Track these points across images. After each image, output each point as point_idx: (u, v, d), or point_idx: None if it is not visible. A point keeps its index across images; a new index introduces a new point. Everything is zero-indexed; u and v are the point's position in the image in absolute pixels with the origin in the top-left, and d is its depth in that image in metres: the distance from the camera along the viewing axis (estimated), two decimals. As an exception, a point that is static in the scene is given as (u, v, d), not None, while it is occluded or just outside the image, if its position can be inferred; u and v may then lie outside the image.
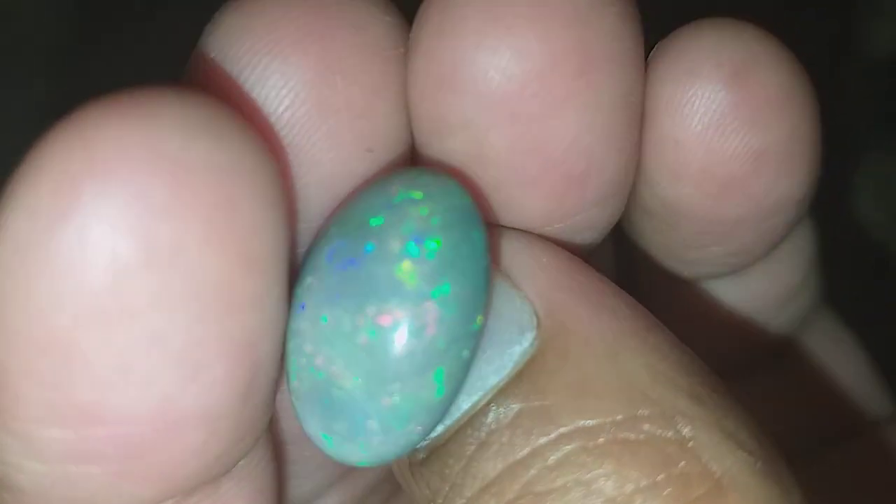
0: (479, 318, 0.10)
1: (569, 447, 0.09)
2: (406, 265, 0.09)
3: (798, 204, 0.13)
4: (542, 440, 0.09)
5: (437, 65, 0.11)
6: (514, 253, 0.11)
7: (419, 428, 0.10)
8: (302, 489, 0.14)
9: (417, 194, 0.10)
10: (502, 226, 0.12)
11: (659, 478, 0.09)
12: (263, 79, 0.11)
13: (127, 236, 0.09)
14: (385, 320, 0.09)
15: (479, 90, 0.10)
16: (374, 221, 0.10)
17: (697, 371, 0.10)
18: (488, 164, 0.11)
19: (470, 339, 0.10)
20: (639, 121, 0.12)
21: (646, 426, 0.09)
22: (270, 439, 0.12)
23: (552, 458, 0.09)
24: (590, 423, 0.09)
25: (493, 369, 0.10)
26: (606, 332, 0.10)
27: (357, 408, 0.10)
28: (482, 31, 0.10)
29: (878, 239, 0.33)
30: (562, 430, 0.09)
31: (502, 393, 0.10)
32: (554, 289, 0.10)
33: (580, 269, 0.11)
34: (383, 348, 0.09)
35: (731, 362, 0.15)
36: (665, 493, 0.09)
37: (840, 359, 0.17)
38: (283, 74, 0.10)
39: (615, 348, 0.10)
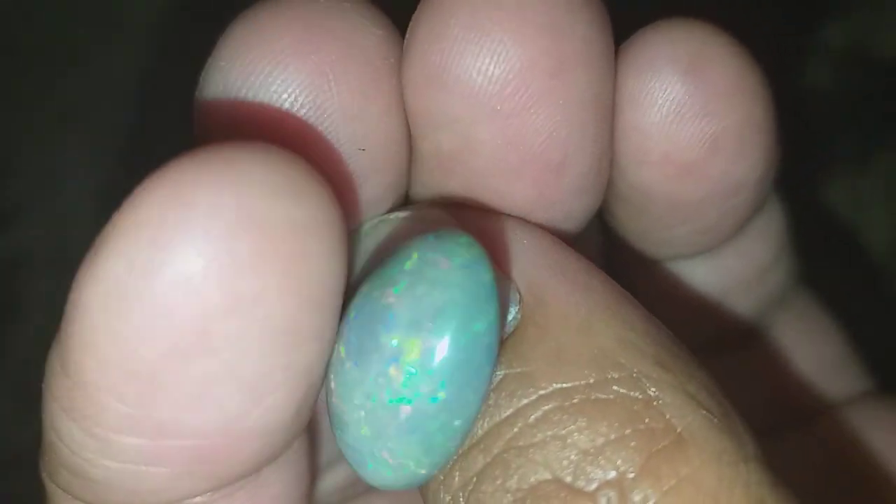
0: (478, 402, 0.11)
1: (547, 406, 0.11)
2: (410, 358, 0.10)
3: (756, 186, 0.14)
4: (524, 401, 0.11)
5: (427, 67, 0.12)
6: (500, 235, 0.12)
7: (422, 471, 0.11)
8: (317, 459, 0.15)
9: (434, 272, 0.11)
10: (489, 210, 0.13)
11: (626, 432, 0.10)
12: (266, 85, 0.12)
13: (214, 288, 0.10)
14: (385, 396, 0.11)
15: (464, 89, 0.12)
16: (395, 290, 0.11)
17: (663, 341, 0.11)
18: (475, 155, 0.12)
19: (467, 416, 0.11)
20: (610, 116, 0.13)
21: (615, 387, 0.10)
22: (309, 432, 0.14)
23: (532, 417, 0.11)
24: (566, 385, 0.11)
25: None
26: (581, 307, 0.11)
27: (366, 449, 0.11)
28: (465, 37, 0.12)
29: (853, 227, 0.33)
30: (541, 392, 0.11)
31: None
32: (534, 268, 0.11)
33: (559, 250, 0.12)
34: (387, 413, 0.11)
35: (702, 341, 0.16)
36: (631, 444, 0.10)
37: (814, 339, 0.18)
38: (283, 81, 0.12)
39: (589, 321, 0.11)
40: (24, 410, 0.38)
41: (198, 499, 0.12)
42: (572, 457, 0.10)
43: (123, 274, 0.11)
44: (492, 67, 0.12)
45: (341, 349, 0.11)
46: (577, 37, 0.12)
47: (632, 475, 0.10)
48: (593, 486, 0.10)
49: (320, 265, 0.10)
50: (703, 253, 0.16)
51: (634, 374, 0.11)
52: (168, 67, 0.42)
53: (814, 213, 0.34)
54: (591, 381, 0.11)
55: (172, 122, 0.41)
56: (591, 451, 0.10)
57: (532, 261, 0.12)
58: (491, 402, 0.11)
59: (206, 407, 0.11)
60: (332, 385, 0.11)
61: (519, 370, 0.11)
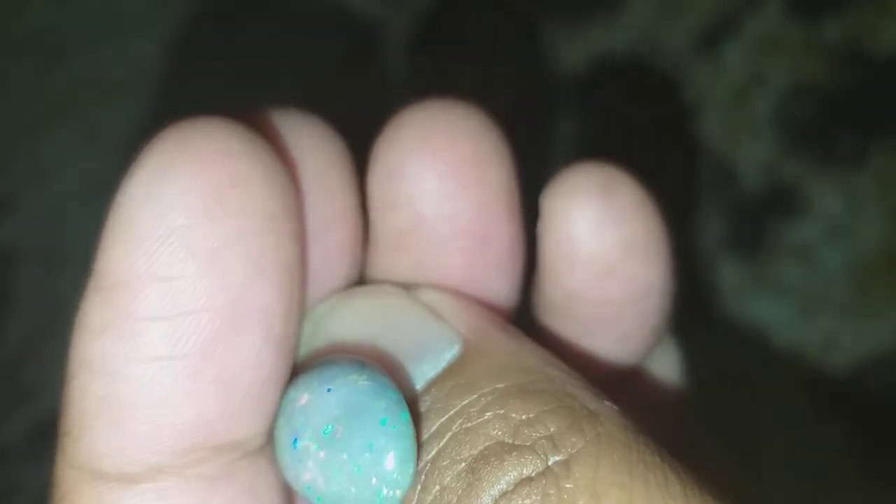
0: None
1: (488, 397, 0.13)
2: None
3: (662, 291, 0.18)
4: (469, 398, 0.13)
5: (385, 171, 0.16)
6: (443, 298, 0.16)
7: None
8: None
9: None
10: (433, 285, 0.16)
11: (554, 406, 0.13)
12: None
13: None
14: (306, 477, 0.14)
15: (412, 189, 0.16)
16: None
17: (567, 369, 0.14)
18: (423, 229, 0.16)
19: None
20: (516, 210, 0.17)
21: (540, 385, 0.13)
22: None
23: (477, 406, 0.13)
24: (500, 385, 0.13)
25: (430, 367, 0.14)
26: (509, 342, 0.15)
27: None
28: (414, 149, 0.16)
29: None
30: (482, 391, 0.13)
31: (439, 378, 0.14)
32: (471, 317, 0.15)
33: (485, 309, 0.16)
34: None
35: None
36: (558, 414, 0.13)
37: None
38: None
39: (516, 349, 0.14)
40: (14, 403, 0.38)
41: (206, 467, 0.14)
42: (512, 424, 0.13)
43: (156, 168, 0.13)
44: (430, 181, 0.16)
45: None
46: (491, 149, 0.16)
47: (560, 431, 0.13)
48: (530, 440, 0.13)
49: (274, 191, 0.14)
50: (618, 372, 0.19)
51: (555, 380, 0.14)
52: (159, 61, 0.42)
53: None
54: (522, 381, 0.13)
55: (163, 115, 0.42)
56: (527, 419, 0.13)
57: (469, 314, 0.15)
58: (440, 405, 0.14)
59: (218, 272, 0.13)
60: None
61: (462, 381, 0.14)
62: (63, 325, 0.41)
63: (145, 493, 0.13)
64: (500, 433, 0.13)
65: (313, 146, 0.16)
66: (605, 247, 0.17)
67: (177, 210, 0.13)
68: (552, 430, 0.13)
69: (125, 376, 0.13)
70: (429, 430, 0.13)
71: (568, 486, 0.12)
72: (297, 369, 0.15)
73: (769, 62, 0.36)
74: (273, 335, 0.14)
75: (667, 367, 0.20)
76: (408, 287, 0.16)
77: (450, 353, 0.14)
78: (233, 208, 0.13)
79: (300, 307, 0.15)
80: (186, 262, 0.13)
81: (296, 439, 0.13)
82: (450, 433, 0.13)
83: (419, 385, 0.14)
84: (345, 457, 0.13)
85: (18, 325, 0.39)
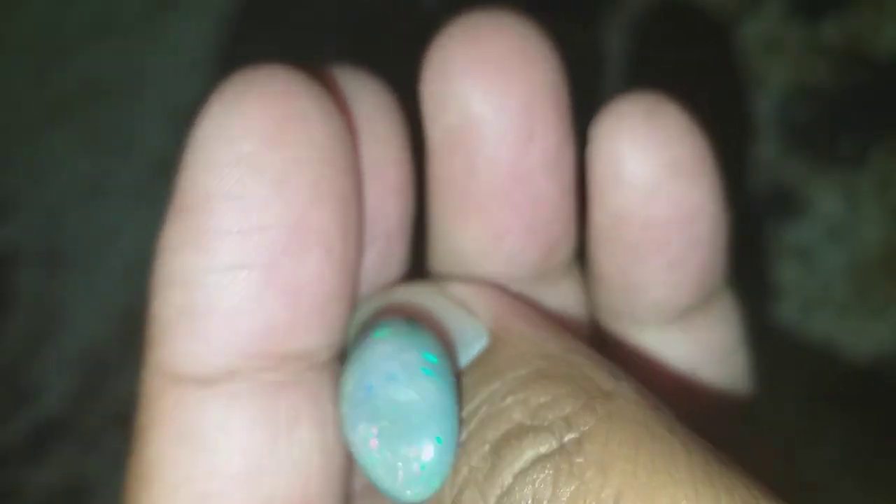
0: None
1: (511, 384, 0.14)
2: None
3: (710, 217, 0.18)
4: (494, 385, 0.14)
5: (434, 73, 0.17)
6: (472, 293, 0.16)
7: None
8: None
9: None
10: (462, 278, 0.17)
11: (568, 388, 0.14)
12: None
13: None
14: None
15: (458, 87, 0.17)
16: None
17: (592, 354, 0.15)
18: (470, 126, 0.17)
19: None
20: (564, 111, 0.17)
21: (559, 369, 0.14)
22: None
23: (500, 392, 0.14)
24: (522, 372, 0.14)
25: (461, 360, 0.15)
26: (533, 331, 0.15)
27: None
28: (457, 61, 0.17)
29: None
30: (506, 377, 0.14)
31: (467, 369, 0.15)
32: (498, 310, 0.16)
33: (512, 300, 0.16)
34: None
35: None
36: (574, 396, 0.14)
37: None
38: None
39: (539, 338, 0.15)
40: (13, 405, 0.38)
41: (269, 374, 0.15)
42: (531, 408, 0.14)
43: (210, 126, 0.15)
44: (479, 62, 0.17)
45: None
46: (538, 49, 0.17)
47: (575, 412, 0.14)
48: (547, 422, 0.14)
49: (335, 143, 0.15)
50: (676, 315, 0.19)
51: (574, 364, 0.14)
52: (157, 63, 0.42)
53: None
54: (542, 366, 0.14)
55: (161, 117, 0.42)
56: (545, 403, 0.14)
57: (495, 308, 0.16)
58: (468, 393, 0.15)
59: (282, 194, 0.14)
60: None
61: (488, 370, 0.15)
62: (63, 326, 0.41)
63: (220, 394, 0.15)
64: (520, 416, 0.14)
65: (364, 96, 0.17)
66: (649, 166, 0.17)
67: (245, 138, 0.14)
68: (567, 410, 0.14)
69: (202, 285, 0.14)
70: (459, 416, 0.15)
71: (579, 460, 0.13)
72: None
73: (769, 62, 0.36)
74: (333, 256, 0.15)
75: (725, 322, 0.20)
76: (441, 283, 0.17)
77: (478, 346, 0.15)
78: (293, 139, 0.15)
79: (358, 235, 0.16)
80: (253, 183, 0.14)
81: (355, 409, 0.15)
82: (476, 418, 0.14)
83: None
84: (388, 451, 0.14)
85: (18, 327, 0.39)
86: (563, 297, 0.19)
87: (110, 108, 0.42)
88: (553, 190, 0.17)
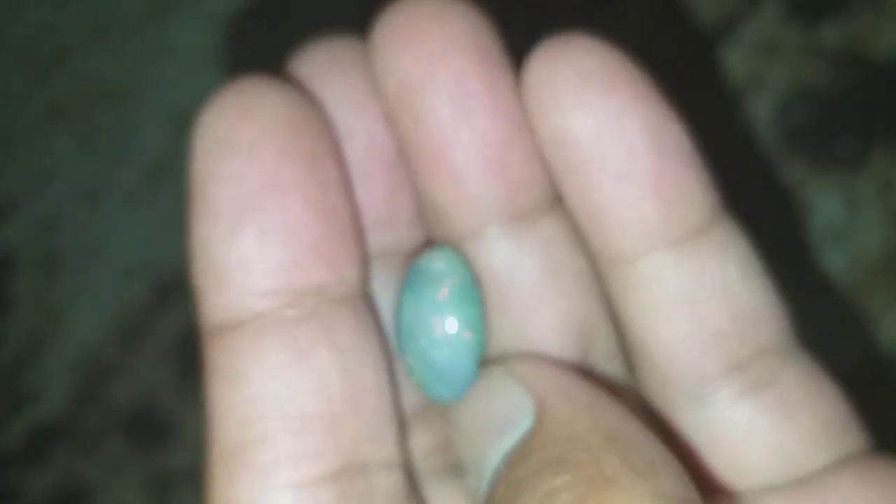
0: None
1: (532, 468, 0.15)
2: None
3: (662, 132, 0.18)
4: (519, 470, 0.15)
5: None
6: (529, 374, 0.17)
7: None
8: None
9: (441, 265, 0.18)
10: (519, 356, 0.18)
11: (574, 475, 0.15)
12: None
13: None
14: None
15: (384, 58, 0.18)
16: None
17: (620, 425, 0.16)
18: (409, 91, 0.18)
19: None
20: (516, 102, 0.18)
21: (574, 453, 0.15)
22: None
23: (523, 475, 0.15)
24: (546, 456, 0.15)
25: (508, 440, 0.16)
26: (567, 412, 0.16)
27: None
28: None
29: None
30: (530, 462, 0.15)
31: (510, 452, 0.16)
32: (544, 391, 0.17)
33: (564, 377, 0.17)
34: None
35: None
36: (575, 482, 0.15)
37: (814, 398, 0.20)
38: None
39: (570, 420, 0.16)
40: (12, 408, 0.38)
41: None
42: (539, 494, 0.15)
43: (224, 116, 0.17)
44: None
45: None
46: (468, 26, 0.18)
47: (573, 499, 0.14)
48: None
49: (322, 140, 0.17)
50: (662, 241, 0.19)
51: (589, 447, 0.15)
52: (155, 65, 0.42)
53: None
54: (560, 451, 0.15)
55: (159, 120, 0.42)
56: (551, 489, 0.15)
57: (545, 388, 0.17)
58: (504, 475, 0.16)
59: (257, 161, 0.17)
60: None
61: (521, 453, 0.16)
62: (61, 329, 0.40)
63: (248, 333, 0.17)
64: (529, 501, 0.15)
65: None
66: (588, 113, 0.18)
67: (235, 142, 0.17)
68: (565, 500, 0.15)
69: (213, 248, 0.17)
70: (496, 497, 0.16)
71: None
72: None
73: (768, 64, 0.36)
74: (311, 202, 0.17)
75: (724, 251, 0.19)
76: (509, 363, 0.18)
77: (523, 428, 0.16)
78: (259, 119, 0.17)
79: (339, 184, 0.18)
80: (235, 161, 0.17)
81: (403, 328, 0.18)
82: (505, 499, 0.16)
83: (500, 457, 0.16)
84: (427, 360, 0.17)
85: (17, 330, 0.39)
86: (545, 237, 0.19)
87: (109, 111, 0.42)
88: (500, 128, 0.18)
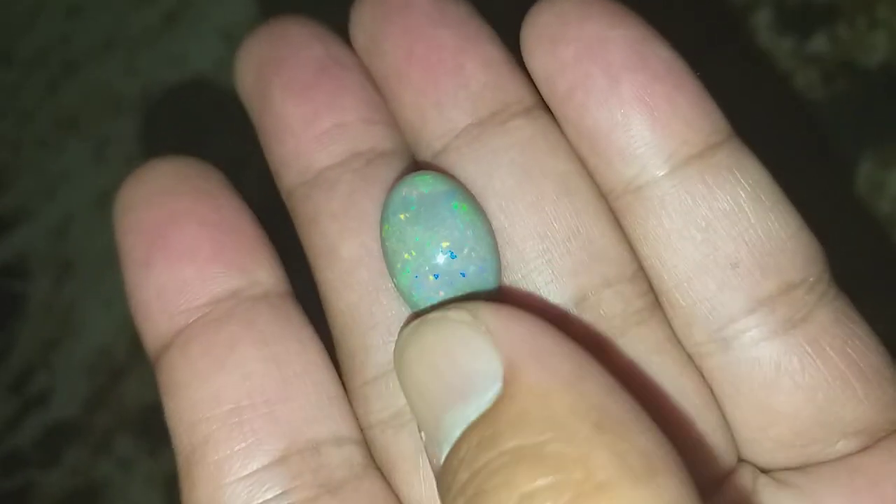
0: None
1: (503, 458, 0.13)
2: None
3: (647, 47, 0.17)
4: (489, 455, 0.13)
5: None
6: (498, 325, 0.15)
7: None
8: None
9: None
10: (496, 303, 0.16)
11: (557, 477, 0.13)
12: None
13: None
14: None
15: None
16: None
17: (609, 409, 0.14)
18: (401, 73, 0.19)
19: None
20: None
21: (554, 445, 0.13)
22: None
23: (492, 466, 0.13)
24: (518, 443, 0.13)
25: (473, 409, 0.14)
26: (543, 382, 0.14)
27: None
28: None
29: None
30: (502, 448, 0.13)
31: (474, 426, 0.14)
32: (515, 352, 0.14)
33: (541, 334, 0.15)
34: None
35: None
36: (558, 487, 0.13)
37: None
38: None
39: (547, 392, 0.14)
40: (24, 410, 0.39)
41: None
42: (514, 497, 0.13)
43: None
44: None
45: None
46: None
47: None
48: None
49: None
50: (663, 163, 0.17)
51: (572, 435, 0.13)
52: (163, 75, 0.42)
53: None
54: (539, 439, 0.13)
55: (169, 129, 0.42)
56: (528, 492, 0.13)
57: (516, 347, 0.14)
58: (470, 456, 0.14)
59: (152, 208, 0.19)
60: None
61: (490, 432, 0.14)
62: (74, 333, 0.41)
63: (181, 344, 0.17)
64: None
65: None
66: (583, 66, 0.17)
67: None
68: None
69: (136, 285, 0.18)
70: (460, 479, 0.14)
71: None
72: None
73: (760, 72, 0.36)
74: (206, 224, 0.18)
75: (730, 171, 0.17)
76: (470, 307, 0.15)
77: (490, 395, 0.14)
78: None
79: (233, 206, 0.18)
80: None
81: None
82: (471, 490, 0.13)
83: (462, 429, 0.14)
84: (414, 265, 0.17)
85: (30, 333, 0.40)
86: (515, 133, 0.18)
87: (118, 120, 0.42)
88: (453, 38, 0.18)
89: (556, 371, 0.14)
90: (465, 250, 0.17)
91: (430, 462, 0.15)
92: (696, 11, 0.36)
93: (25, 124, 0.43)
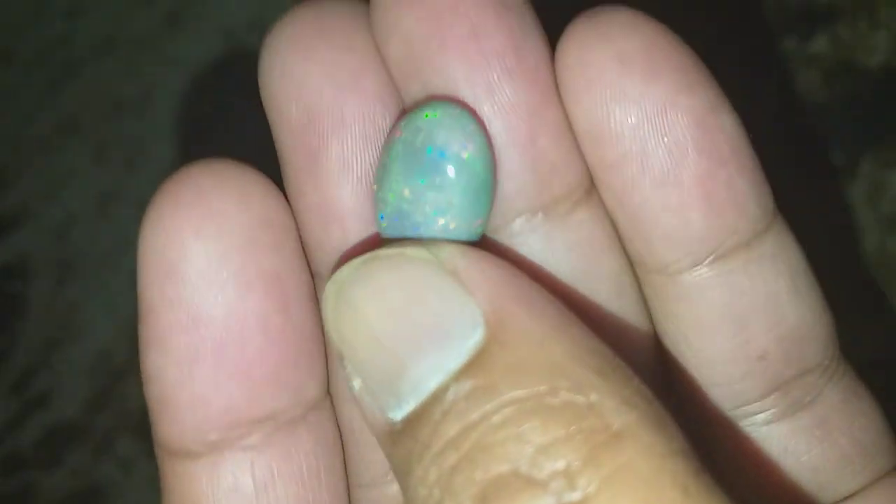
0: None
1: (507, 409, 0.12)
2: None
3: (719, 130, 0.16)
4: (488, 406, 0.12)
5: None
6: (467, 263, 0.14)
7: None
8: (363, 477, 0.17)
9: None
10: (461, 244, 0.15)
11: (571, 429, 0.12)
12: None
13: None
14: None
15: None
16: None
17: (604, 354, 0.13)
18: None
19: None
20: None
21: (562, 394, 0.12)
22: (333, 415, 0.16)
23: (495, 419, 0.12)
24: (522, 393, 0.12)
25: (453, 358, 0.13)
26: (535, 327, 0.13)
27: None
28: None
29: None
30: (502, 398, 0.12)
31: (460, 374, 0.13)
32: (497, 296, 0.13)
33: (519, 279, 0.14)
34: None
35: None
36: (576, 439, 0.12)
37: (855, 415, 0.18)
38: None
39: (541, 338, 0.13)
40: (26, 412, 0.39)
41: (253, 437, 0.15)
42: (528, 451, 0.12)
43: None
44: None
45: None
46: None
47: (577, 464, 0.12)
48: (545, 474, 0.12)
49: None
50: (705, 254, 0.16)
51: (579, 383, 0.12)
52: (164, 77, 0.42)
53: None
54: (543, 389, 0.12)
55: (169, 130, 0.42)
56: (542, 446, 0.12)
57: (495, 290, 0.13)
58: (461, 407, 0.13)
59: (216, 288, 0.15)
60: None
61: (483, 381, 0.13)
62: (75, 334, 0.41)
63: (204, 465, 0.15)
64: (514, 457, 0.12)
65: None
66: (631, 109, 0.15)
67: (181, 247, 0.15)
68: (568, 462, 0.12)
69: (165, 380, 0.15)
70: (447, 433, 0.13)
71: None
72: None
73: (762, 72, 0.36)
74: (271, 333, 0.15)
75: (770, 264, 0.16)
76: (433, 246, 0.14)
77: (472, 341, 0.13)
78: (216, 234, 0.15)
79: (300, 301, 0.16)
80: (188, 286, 0.15)
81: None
82: (466, 446, 0.12)
83: (441, 378, 0.13)
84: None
85: (31, 334, 0.40)
86: (577, 229, 0.16)
87: (119, 121, 0.42)
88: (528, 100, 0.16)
89: (545, 316, 0.13)
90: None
91: (369, 417, 0.14)
92: (697, 12, 0.36)
93: (25, 124, 0.43)
